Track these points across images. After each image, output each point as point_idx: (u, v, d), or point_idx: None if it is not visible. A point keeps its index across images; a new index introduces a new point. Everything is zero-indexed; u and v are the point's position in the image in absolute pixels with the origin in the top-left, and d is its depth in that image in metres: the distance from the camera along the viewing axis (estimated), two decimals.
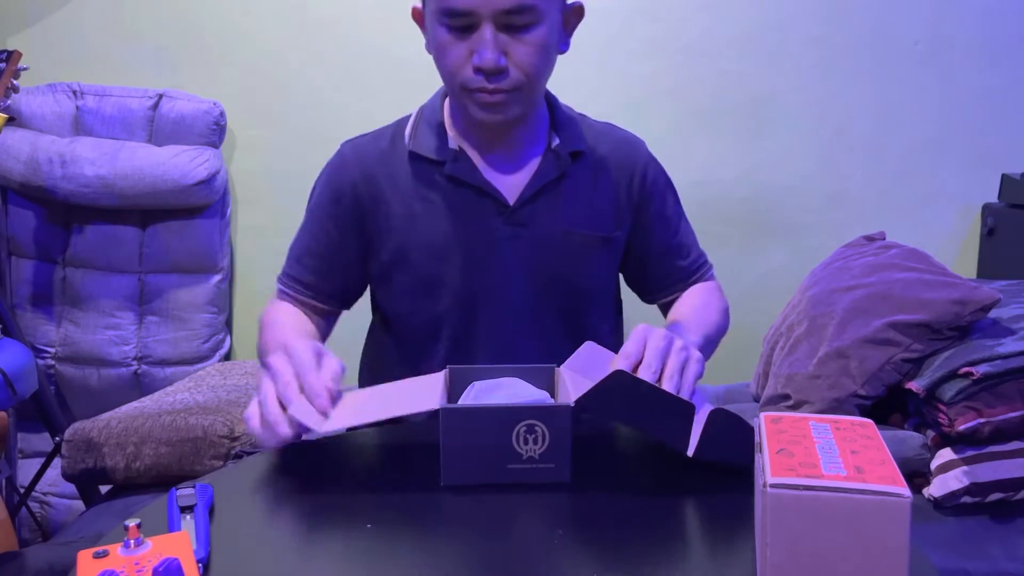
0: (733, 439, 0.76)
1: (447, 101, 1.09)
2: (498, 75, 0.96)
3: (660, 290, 1.20)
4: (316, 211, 1.11)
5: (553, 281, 1.09)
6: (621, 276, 1.22)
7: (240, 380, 1.73)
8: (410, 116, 1.12)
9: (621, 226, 1.13)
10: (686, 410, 0.75)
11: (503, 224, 1.06)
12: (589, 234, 1.10)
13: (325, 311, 1.13)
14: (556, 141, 1.08)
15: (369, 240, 1.10)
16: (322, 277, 1.11)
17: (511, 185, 1.07)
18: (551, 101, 1.12)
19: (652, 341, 0.85)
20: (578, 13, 1.05)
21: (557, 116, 1.10)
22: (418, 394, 0.84)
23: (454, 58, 0.97)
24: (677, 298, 1.19)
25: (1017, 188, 2.02)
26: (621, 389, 0.74)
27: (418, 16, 1.05)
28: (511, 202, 1.06)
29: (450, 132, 1.07)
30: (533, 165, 1.08)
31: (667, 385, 0.82)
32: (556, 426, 0.75)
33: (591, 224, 1.10)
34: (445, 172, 1.05)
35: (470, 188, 1.06)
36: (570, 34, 1.05)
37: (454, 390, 0.88)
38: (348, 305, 1.16)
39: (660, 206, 1.16)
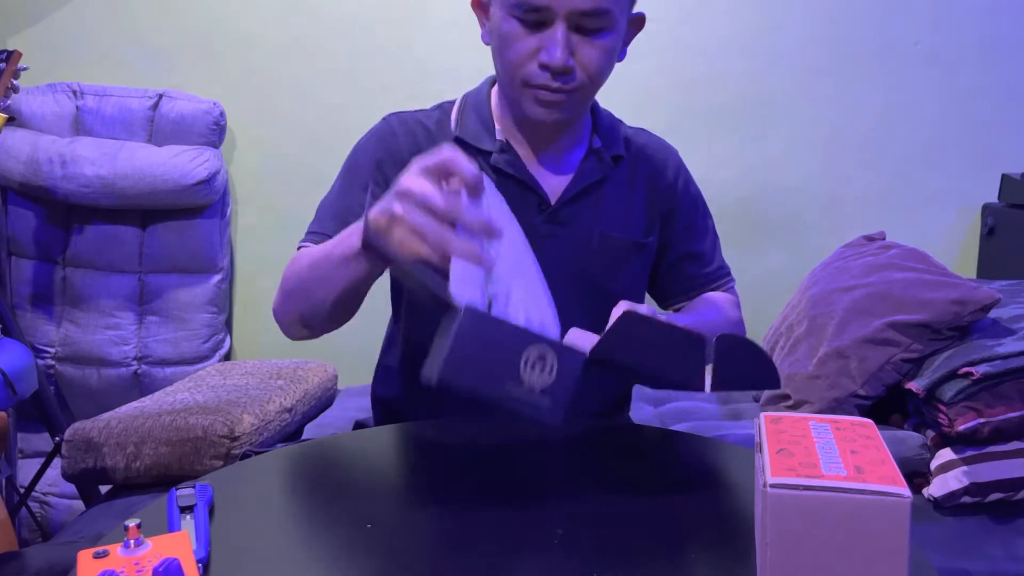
0: (746, 364, 0.75)
1: (494, 92, 1.09)
2: (564, 75, 0.96)
3: (674, 295, 1.20)
4: (358, 171, 1.07)
5: (585, 283, 1.09)
6: None
7: (240, 380, 1.73)
8: (454, 102, 1.11)
9: (652, 232, 1.14)
10: (698, 343, 0.74)
11: (542, 222, 1.06)
12: (624, 238, 1.10)
13: None
14: (598, 143, 1.09)
15: None
16: None
17: (554, 184, 1.07)
18: (592, 104, 1.12)
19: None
20: (639, 23, 1.05)
21: (599, 119, 1.11)
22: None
23: (520, 51, 0.96)
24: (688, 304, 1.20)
25: (1017, 188, 2.02)
26: (632, 330, 0.73)
27: (478, 5, 1.04)
28: (552, 201, 1.07)
29: (497, 124, 1.07)
30: (575, 166, 1.08)
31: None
32: (566, 366, 0.72)
33: (626, 229, 1.11)
34: (491, 162, 1.05)
35: (514, 181, 1.05)
36: (628, 43, 1.05)
37: None
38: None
39: (688, 214, 1.17)
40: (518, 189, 1.06)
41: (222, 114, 2.11)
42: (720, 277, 1.21)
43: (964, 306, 1.37)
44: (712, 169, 2.15)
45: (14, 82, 1.59)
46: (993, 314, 1.42)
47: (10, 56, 1.58)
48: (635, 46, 1.07)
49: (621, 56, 1.04)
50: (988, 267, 2.11)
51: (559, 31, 0.93)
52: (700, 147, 2.16)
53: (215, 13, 2.14)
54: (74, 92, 2.09)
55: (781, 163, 2.17)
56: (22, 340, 1.72)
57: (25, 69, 1.61)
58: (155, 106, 2.08)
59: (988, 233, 2.10)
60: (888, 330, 1.40)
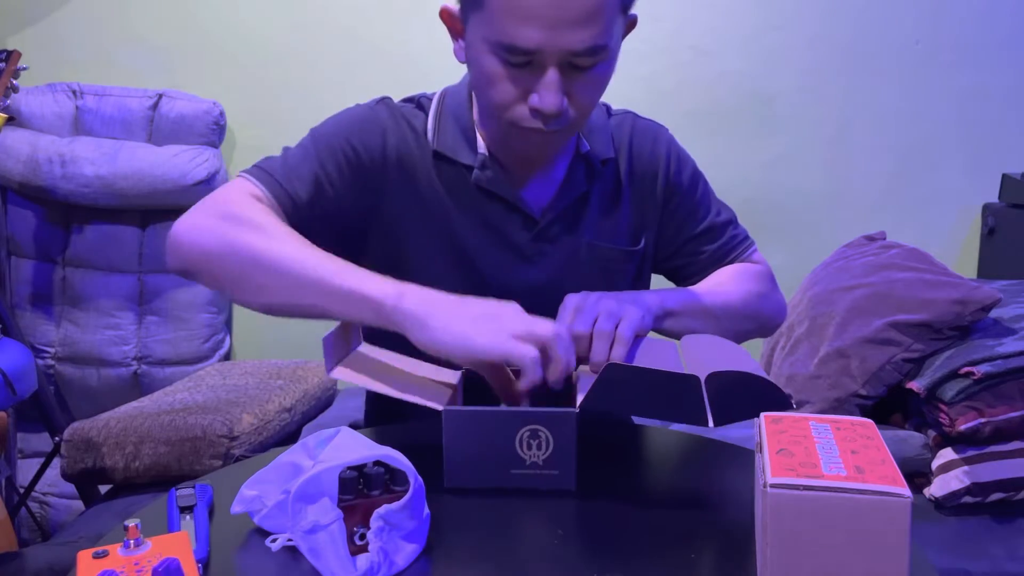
0: (747, 395, 0.72)
1: (476, 100, 0.99)
2: (558, 118, 0.86)
3: (690, 277, 1.11)
4: (330, 140, 0.95)
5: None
6: (656, 275, 1.14)
7: (240, 380, 1.73)
8: (431, 101, 1.01)
9: (642, 234, 1.06)
10: (691, 384, 0.72)
11: (529, 241, 0.99)
12: (611, 248, 1.03)
13: None
14: (586, 147, 1.00)
15: (375, 223, 0.98)
16: (311, 208, 0.92)
17: (540, 196, 1.00)
18: None
19: (580, 316, 0.83)
20: (631, 26, 0.95)
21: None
22: (429, 386, 0.83)
23: (507, 94, 0.86)
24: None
25: (1017, 188, 2.02)
26: (619, 381, 0.73)
27: (449, 19, 0.93)
28: (540, 216, 0.99)
29: (479, 135, 0.98)
30: (562, 174, 1.00)
31: (596, 354, 0.81)
32: (560, 432, 0.74)
33: (613, 237, 1.04)
34: (473, 179, 0.97)
35: (497, 199, 0.98)
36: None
37: (467, 393, 0.88)
38: None
39: (687, 199, 1.08)
40: (502, 208, 0.99)
41: (222, 114, 2.11)
42: (734, 248, 1.11)
43: (965, 306, 1.37)
44: (713, 169, 2.13)
45: (14, 82, 1.59)
46: (994, 314, 1.42)
47: (10, 56, 1.58)
48: (636, 46, 1.05)
49: None
50: (988, 267, 2.11)
51: (551, 74, 0.83)
52: (701, 147, 2.13)
53: (215, 13, 2.14)
54: (74, 92, 2.09)
55: (782, 163, 2.17)
56: (22, 340, 1.72)
57: (25, 69, 1.61)
58: (155, 106, 2.08)
59: (988, 233, 2.10)
60: (889, 330, 1.40)
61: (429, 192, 0.99)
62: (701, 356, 0.84)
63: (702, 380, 0.72)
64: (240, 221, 0.85)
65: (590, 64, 0.85)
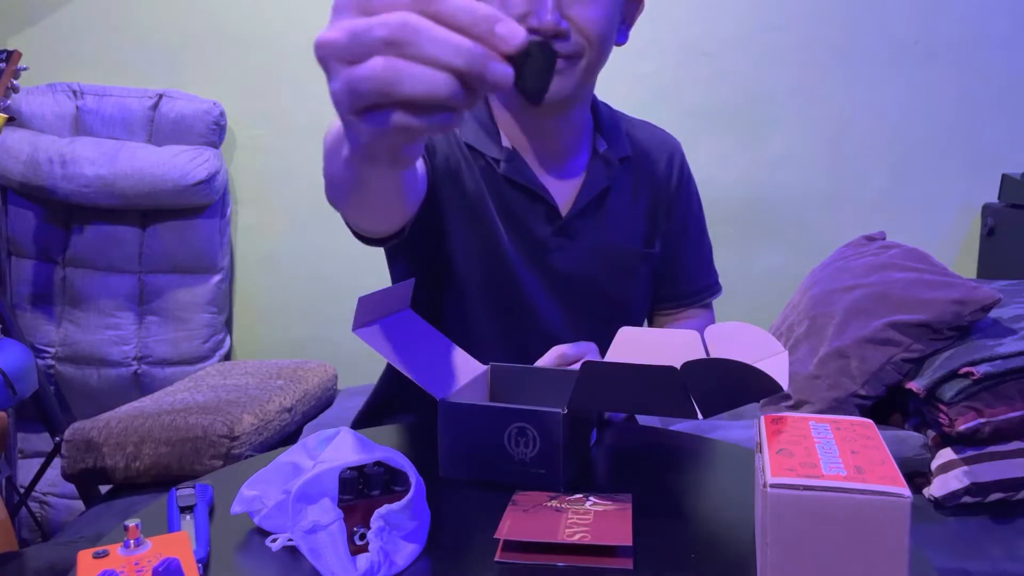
0: (732, 383, 0.70)
1: (494, 96, 1.01)
2: (559, 39, 0.86)
3: (659, 301, 1.14)
4: None
5: (594, 294, 1.03)
6: None
7: (240, 380, 1.73)
8: None
9: (656, 238, 1.08)
10: (671, 376, 0.69)
11: (552, 234, 1.01)
12: (631, 248, 1.05)
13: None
14: (603, 146, 1.03)
15: (429, 206, 0.95)
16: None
17: (562, 192, 1.01)
18: (592, 101, 1.06)
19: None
20: (638, 2, 0.98)
21: (600, 117, 1.05)
22: (450, 373, 0.83)
23: None
24: (672, 318, 1.14)
25: (1017, 188, 2.02)
26: (599, 379, 0.72)
27: None
28: (563, 211, 1.01)
29: (501, 129, 1.01)
30: (581, 171, 1.02)
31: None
32: (547, 432, 0.74)
33: (632, 238, 1.05)
34: (500, 172, 0.98)
35: (524, 191, 0.99)
36: (630, 26, 0.98)
37: (495, 387, 0.88)
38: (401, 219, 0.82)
39: (682, 216, 1.11)
40: (527, 199, 1.00)
41: (222, 114, 2.11)
42: (703, 290, 1.15)
43: (964, 306, 1.37)
44: (713, 169, 2.15)
45: (14, 82, 1.59)
46: (993, 314, 1.42)
47: (10, 56, 1.58)
48: (637, 46, 1.06)
49: (621, 40, 0.97)
50: (988, 267, 2.11)
51: None
52: (700, 147, 2.15)
53: (215, 13, 2.14)
54: (74, 92, 2.09)
55: (782, 163, 2.17)
56: (22, 340, 1.72)
57: (25, 69, 1.61)
58: (155, 106, 2.08)
59: (988, 233, 2.10)
60: (888, 330, 1.40)
61: (471, 184, 0.99)
62: (725, 346, 0.83)
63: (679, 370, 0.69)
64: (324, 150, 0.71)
65: None
